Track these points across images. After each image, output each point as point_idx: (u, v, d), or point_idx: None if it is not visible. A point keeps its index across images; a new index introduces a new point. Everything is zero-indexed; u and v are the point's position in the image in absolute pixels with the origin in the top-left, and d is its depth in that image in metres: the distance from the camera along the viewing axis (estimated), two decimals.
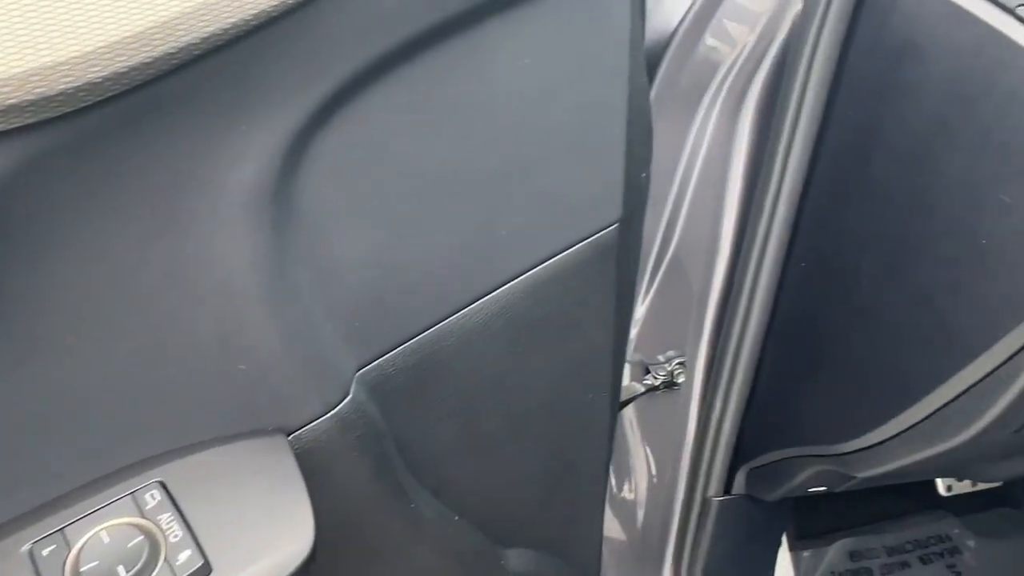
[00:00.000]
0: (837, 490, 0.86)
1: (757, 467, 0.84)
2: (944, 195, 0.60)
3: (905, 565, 1.33)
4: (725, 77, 0.72)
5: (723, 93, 0.73)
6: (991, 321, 0.58)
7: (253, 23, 0.31)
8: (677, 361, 0.83)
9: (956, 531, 1.39)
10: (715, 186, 0.77)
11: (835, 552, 1.32)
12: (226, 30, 0.31)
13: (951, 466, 0.73)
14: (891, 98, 0.63)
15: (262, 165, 0.35)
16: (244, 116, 0.34)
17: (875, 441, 0.70)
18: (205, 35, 0.30)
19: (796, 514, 1.25)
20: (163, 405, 0.38)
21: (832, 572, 1.30)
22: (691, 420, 0.86)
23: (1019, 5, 0.56)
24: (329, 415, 0.42)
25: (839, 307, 0.71)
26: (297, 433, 0.41)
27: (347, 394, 0.43)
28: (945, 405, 0.63)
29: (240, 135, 0.34)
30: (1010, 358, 0.58)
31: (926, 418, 0.65)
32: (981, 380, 0.60)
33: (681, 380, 0.83)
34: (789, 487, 0.83)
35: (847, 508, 1.33)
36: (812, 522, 1.31)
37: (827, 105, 0.68)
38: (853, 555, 1.33)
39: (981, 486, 1.26)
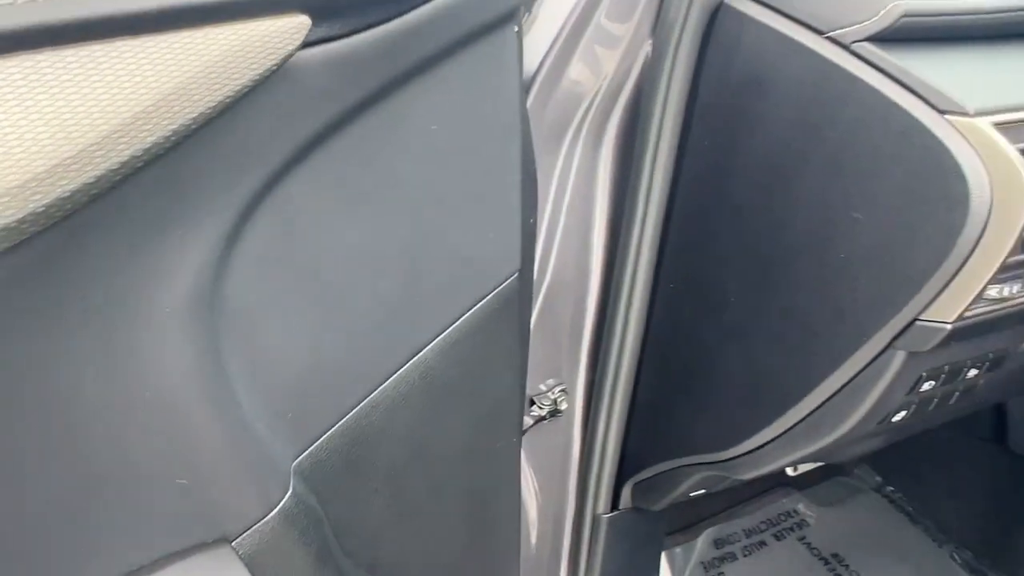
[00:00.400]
0: (715, 490, 0.91)
1: (642, 480, 0.87)
2: (801, 214, 0.66)
3: (762, 544, 1.43)
4: (586, 113, 0.75)
5: (584, 128, 0.76)
6: (853, 328, 0.64)
7: (183, 132, 0.30)
8: (559, 388, 0.85)
9: (801, 505, 1.51)
10: (582, 218, 0.79)
11: (702, 543, 1.40)
12: (161, 141, 0.29)
13: (819, 457, 0.80)
14: (742, 128, 0.68)
15: (196, 273, 0.33)
16: (178, 225, 0.32)
17: (755, 446, 0.75)
18: (147, 145, 0.28)
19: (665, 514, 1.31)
20: (107, 528, 0.35)
21: (702, 563, 1.37)
22: (575, 442, 0.88)
23: (839, 29, 0.62)
24: (273, 514, 0.40)
25: (710, 324, 0.76)
26: (241, 537, 0.39)
27: (287, 489, 0.41)
28: (818, 408, 0.69)
29: (174, 246, 0.32)
30: (873, 360, 0.64)
31: (801, 421, 0.71)
32: (849, 382, 0.66)
33: (564, 407, 0.85)
34: (673, 496, 0.87)
35: (706, 499, 1.41)
36: (678, 519, 1.38)
37: (683, 136, 0.72)
38: (717, 543, 1.41)
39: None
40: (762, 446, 0.74)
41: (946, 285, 0.58)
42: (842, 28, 0.61)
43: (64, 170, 0.26)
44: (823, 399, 0.68)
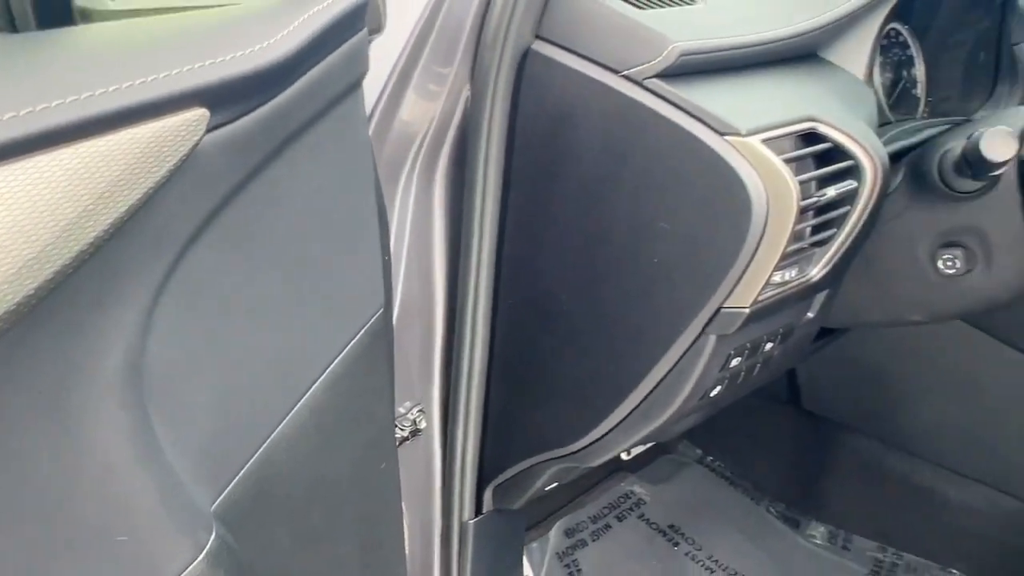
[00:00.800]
0: (567, 480, 1.00)
1: (502, 483, 0.94)
2: (616, 229, 0.76)
3: (607, 527, 1.55)
4: (418, 151, 0.82)
5: (418, 165, 0.82)
6: (671, 322, 0.74)
7: (118, 224, 0.34)
8: (416, 409, 0.91)
9: (636, 487, 1.65)
10: (423, 249, 0.86)
11: (555, 535, 1.49)
12: (101, 234, 0.33)
13: (653, 437, 0.90)
14: (559, 158, 0.77)
15: (126, 345, 0.37)
16: (110, 304, 0.36)
17: (600, 435, 0.84)
18: (91, 239, 0.32)
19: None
20: None
21: (557, 553, 1.47)
22: (436, 457, 0.94)
23: (632, 68, 0.72)
24: (201, 556, 0.43)
25: (548, 333, 0.84)
26: None
27: (211, 531, 0.44)
28: (649, 394, 0.79)
29: (108, 324, 0.36)
30: (690, 347, 0.75)
31: (636, 407, 0.81)
32: (672, 368, 0.76)
33: (423, 425, 0.91)
34: (532, 492, 0.96)
35: (553, 494, 1.51)
36: (531, 516, 1.46)
37: (507, 168, 0.80)
38: (568, 532, 1.52)
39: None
40: (605, 434, 0.84)
41: (740, 277, 0.69)
42: (634, 67, 0.71)
43: (28, 269, 0.29)
44: (652, 386, 0.78)
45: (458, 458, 0.92)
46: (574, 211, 0.78)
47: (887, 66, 1.09)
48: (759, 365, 0.85)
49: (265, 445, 0.50)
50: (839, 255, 0.77)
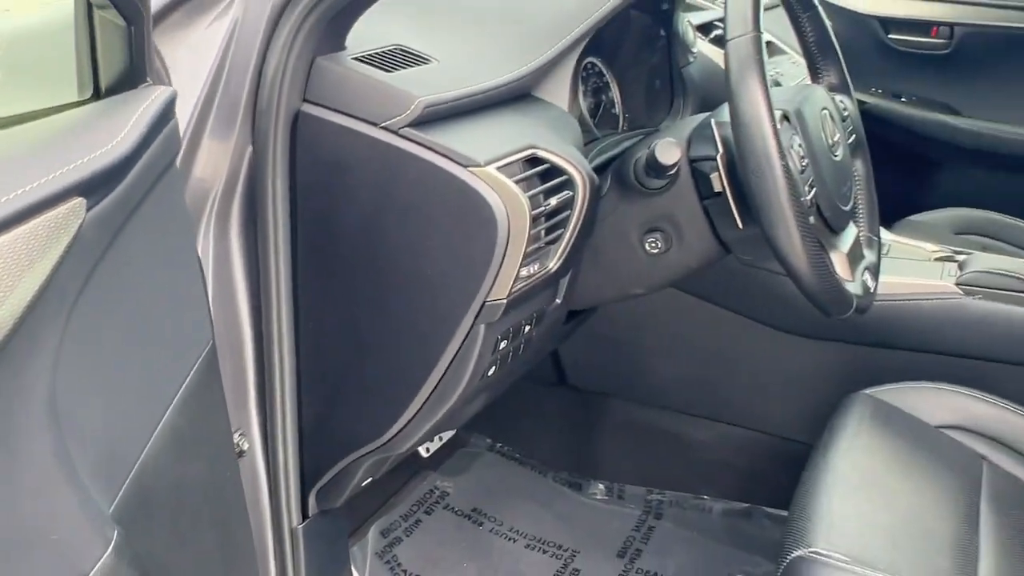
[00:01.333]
0: (379, 475, 1.15)
1: (323, 485, 1.08)
2: (393, 252, 0.92)
3: (418, 522, 1.70)
4: (213, 204, 0.93)
5: (214, 216, 0.94)
6: (449, 318, 0.92)
7: (33, 302, 0.46)
8: (238, 433, 1.02)
9: (439, 481, 1.81)
10: (226, 294, 0.97)
11: (372, 537, 1.63)
12: (24, 312, 0.45)
13: (447, 423, 1.07)
14: (337, 198, 0.93)
15: (44, 391, 0.49)
16: (34, 354, 0.47)
17: (402, 425, 1.00)
18: (17, 316, 0.44)
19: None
20: None
21: (377, 553, 1.60)
22: (261, 473, 1.05)
23: (388, 120, 0.89)
24: (110, 550, 0.55)
25: (347, 346, 0.99)
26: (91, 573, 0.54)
27: (114, 530, 0.56)
28: (439, 381, 0.96)
29: (33, 367, 0.47)
30: (466, 337, 0.93)
31: (429, 396, 0.97)
32: (455, 357, 0.94)
33: (246, 447, 1.02)
34: (350, 489, 1.09)
35: (364, 500, 1.64)
36: (349, 523, 1.58)
37: (292, 212, 0.94)
38: (384, 533, 1.65)
39: (445, 437, 1.67)
40: (407, 423, 1.00)
41: (496, 275, 0.88)
42: (389, 120, 0.88)
43: None
44: (441, 374, 0.95)
45: (280, 470, 1.04)
46: (356, 243, 0.94)
47: (589, 92, 1.33)
48: (522, 346, 1.05)
49: (140, 459, 0.62)
50: (568, 249, 0.98)
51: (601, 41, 1.33)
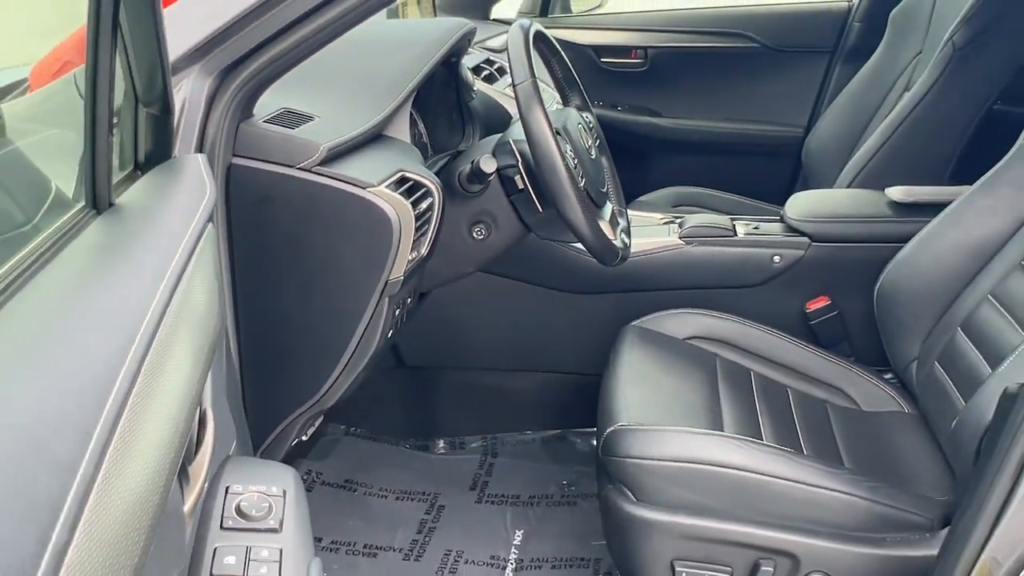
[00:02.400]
0: (308, 435, 1.49)
1: (270, 443, 1.41)
2: (317, 254, 1.29)
3: None
4: None
5: None
6: (362, 298, 1.30)
7: None
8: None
9: (310, 465, 2.13)
10: None
11: None
12: None
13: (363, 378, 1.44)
14: (265, 221, 1.27)
15: None
16: None
17: (331, 383, 1.36)
18: None
19: None
20: None
21: None
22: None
23: (303, 162, 1.26)
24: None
25: (280, 330, 1.33)
26: None
27: None
28: (357, 345, 1.34)
29: None
30: (375, 307, 1.31)
31: (351, 357, 1.35)
32: (370, 322, 1.32)
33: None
34: (290, 440, 1.43)
35: None
36: None
37: (228, 234, 1.28)
38: None
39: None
40: (335, 381, 1.36)
41: (395, 260, 1.28)
42: (303, 162, 1.25)
43: None
44: (359, 339, 1.33)
45: None
46: (283, 251, 1.29)
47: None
48: (407, 314, 1.44)
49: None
50: (433, 239, 1.39)
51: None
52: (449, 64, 1.81)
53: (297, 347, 1.34)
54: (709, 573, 1.46)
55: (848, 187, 2.19)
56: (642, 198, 2.72)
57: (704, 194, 2.74)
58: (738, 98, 2.96)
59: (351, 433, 2.28)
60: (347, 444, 2.24)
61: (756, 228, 2.05)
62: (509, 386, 2.20)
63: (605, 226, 1.63)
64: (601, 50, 2.99)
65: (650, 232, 2.12)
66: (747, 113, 2.96)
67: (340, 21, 1.19)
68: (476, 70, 2.02)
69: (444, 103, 1.87)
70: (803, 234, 2.00)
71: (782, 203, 2.17)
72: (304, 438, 1.48)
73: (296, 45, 1.19)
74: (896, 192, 1.99)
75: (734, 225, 2.07)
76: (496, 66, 2.19)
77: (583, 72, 3.00)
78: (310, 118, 1.34)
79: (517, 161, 1.49)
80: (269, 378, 1.36)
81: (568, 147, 1.53)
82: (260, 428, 1.39)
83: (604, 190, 1.66)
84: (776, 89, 2.93)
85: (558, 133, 1.55)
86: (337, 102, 1.42)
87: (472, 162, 1.49)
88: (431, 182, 1.37)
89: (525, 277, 2.07)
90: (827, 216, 2.00)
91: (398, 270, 1.30)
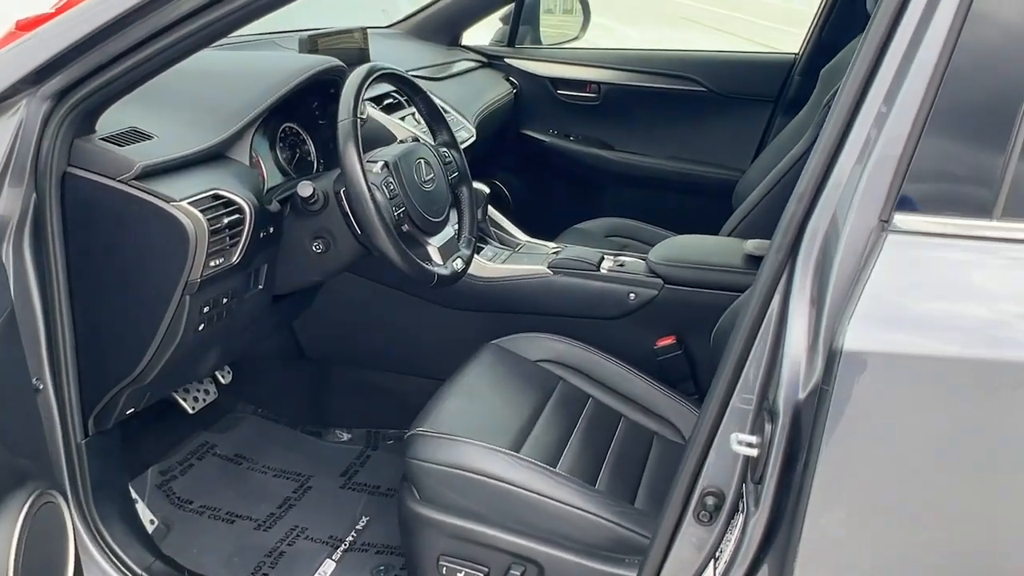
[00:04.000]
0: (140, 407, 1.72)
1: (98, 412, 1.64)
2: (135, 254, 1.52)
3: (191, 465, 2.27)
4: (11, 230, 1.50)
5: (12, 238, 1.49)
6: (167, 294, 1.52)
7: None
8: (35, 379, 1.58)
9: (210, 437, 2.38)
10: (23, 287, 1.53)
11: (151, 475, 2.18)
12: None
13: (194, 370, 1.67)
14: (93, 226, 1.51)
15: None
16: None
17: (145, 364, 1.60)
18: None
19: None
20: None
21: (156, 485, 2.16)
22: (52, 404, 1.60)
23: (121, 176, 1.49)
24: None
25: (104, 318, 1.57)
26: None
27: None
28: (164, 335, 1.57)
29: None
30: (178, 305, 1.54)
31: (160, 344, 1.57)
32: (173, 317, 1.55)
33: (41, 387, 1.58)
34: (116, 413, 1.67)
35: (147, 451, 2.20)
36: (132, 468, 2.12)
37: (64, 235, 1.52)
38: (162, 472, 2.21)
39: (208, 398, 2.26)
40: (147, 363, 1.59)
41: (192, 264, 1.50)
42: (122, 175, 1.48)
43: None
44: (165, 328, 1.54)
45: (66, 403, 1.60)
46: (107, 252, 1.53)
47: (287, 147, 1.97)
48: (226, 311, 1.66)
49: None
50: (245, 249, 1.61)
51: (297, 112, 1.98)
52: (331, 96, 2.03)
53: (115, 331, 1.58)
54: (469, 571, 1.64)
55: (729, 235, 2.31)
56: (579, 225, 2.88)
57: (638, 227, 2.88)
58: (684, 138, 3.09)
59: (257, 413, 2.52)
60: (250, 423, 2.49)
61: (621, 265, 2.20)
62: (394, 387, 2.40)
63: (434, 252, 1.82)
64: (558, 82, 3.16)
65: (529, 259, 2.29)
66: (691, 153, 3.08)
67: (171, 49, 1.41)
68: (378, 99, 2.24)
69: (333, 126, 2.08)
70: (658, 276, 2.14)
71: None
72: (136, 409, 1.71)
73: (127, 72, 1.42)
74: (750, 245, 2.11)
75: (601, 259, 2.22)
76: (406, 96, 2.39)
77: (541, 102, 3.20)
78: (149, 137, 1.57)
79: (342, 188, 1.70)
80: (95, 355, 1.59)
81: (391, 179, 1.72)
82: (90, 397, 1.63)
83: (439, 219, 1.84)
84: (720, 133, 3.04)
85: (387, 165, 1.74)
86: (183, 124, 1.65)
87: (298, 185, 1.70)
88: (243, 201, 1.58)
89: (409, 289, 2.27)
90: (681, 261, 2.13)
91: (196, 273, 1.51)
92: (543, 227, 3.04)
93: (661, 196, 3.10)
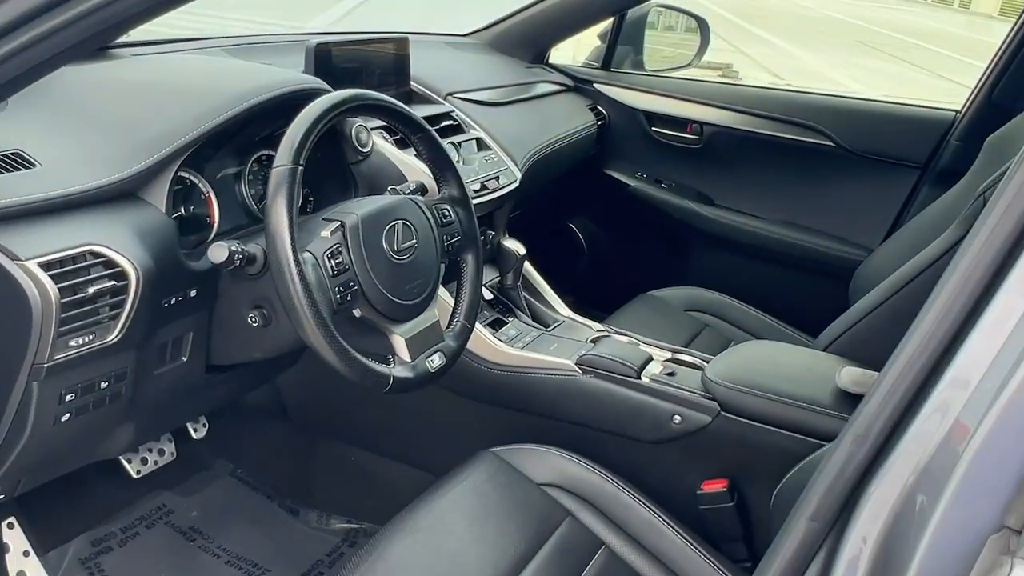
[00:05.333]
0: (16, 492, 1.36)
1: None
2: None
3: (136, 534, 1.93)
4: None
5: None
6: (6, 380, 1.15)
7: None
8: None
9: (168, 499, 2.03)
10: None
11: (77, 544, 1.85)
12: None
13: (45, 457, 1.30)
14: None
15: None
16: None
17: None
18: None
19: (34, 530, 1.74)
20: None
21: (79, 560, 1.82)
22: None
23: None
24: None
25: None
26: None
27: None
28: (11, 425, 1.19)
29: None
30: (24, 392, 1.16)
31: (6, 435, 1.21)
32: (19, 406, 1.17)
33: None
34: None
35: (81, 513, 1.87)
36: (55, 533, 1.80)
37: None
38: (94, 543, 1.87)
39: (161, 463, 1.91)
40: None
41: (38, 345, 1.12)
42: None
43: None
44: (11, 419, 1.18)
45: None
46: None
47: (259, 182, 1.57)
48: (111, 397, 1.28)
49: None
50: (129, 324, 1.21)
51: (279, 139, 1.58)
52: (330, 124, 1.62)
53: None
54: None
55: (825, 349, 1.75)
56: (656, 292, 2.37)
57: (727, 303, 2.35)
58: (800, 201, 2.51)
59: (235, 474, 2.16)
60: (223, 487, 2.13)
61: (671, 375, 1.68)
62: (382, 473, 1.98)
63: (400, 344, 1.37)
64: (654, 117, 2.64)
65: (559, 347, 1.80)
66: (808, 221, 2.50)
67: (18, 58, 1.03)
68: (390, 130, 1.80)
69: (332, 161, 1.68)
70: (714, 398, 1.61)
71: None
72: (6, 496, 1.36)
73: None
74: (846, 376, 1.55)
75: (646, 362, 1.71)
76: (443, 124, 1.95)
77: (632, 138, 2.68)
78: (30, 165, 1.20)
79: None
80: None
81: (343, 248, 1.29)
82: None
83: (413, 301, 1.39)
84: (847, 201, 2.44)
85: (342, 228, 1.31)
86: (86, 150, 1.27)
87: (231, 247, 1.29)
88: (129, 262, 1.19)
89: None
90: (748, 385, 1.59)
91: (43, 356, 1.13)
92: (615, 288, 2.55)
93: (762, 269, 2.54)
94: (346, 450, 2.01)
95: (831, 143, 2.41)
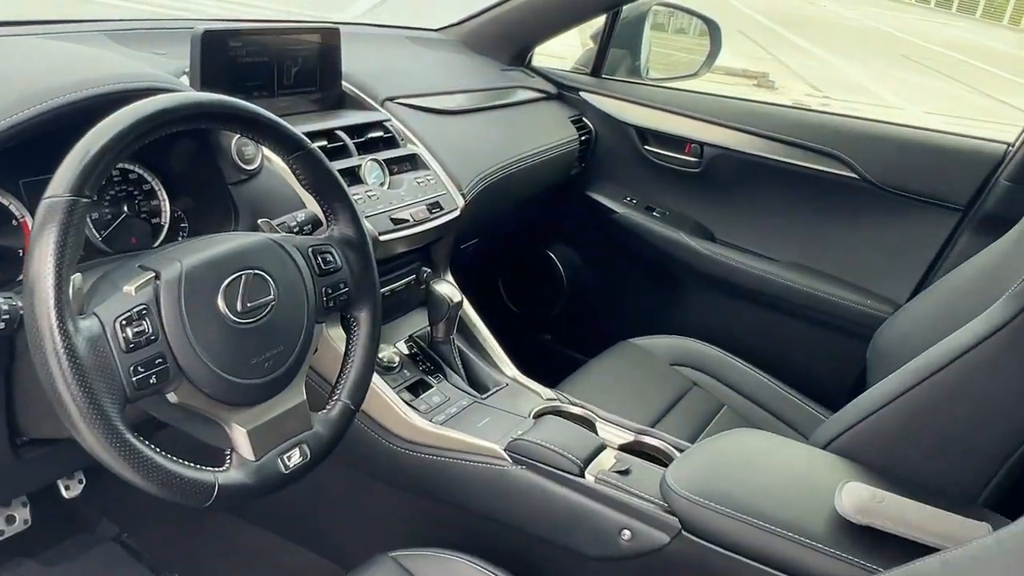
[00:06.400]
0: None
1: None
2: None
3: None
4: None
5: None
6: None
7: None
8: None
9: (30, 569, 1.70)
10: None
11: None
12: None
13: None
14: None
15: None
16: None
17: None
18: None
19: None
20: None
21: None
22: None
23: None
24: None
25: None
26: None
27: None
28: None
29: None
30: None
31: None
32: None
33: None
34: None
35: None
36: None
37: None
38: None
39: (9, 532, 1.57)
40: None
41: None
42: None
43: None
44: None
45: None
46: None
47: (116, 203, 1.23)
48: None
49: None
50: None
51: (151, 155, 1.25)
52: (200, 132, 1.27)
53: None
54: None
55: (825, 446, 1.37)
56: (638, 341, 2.00)
57: (721, 359, 1.97)
58: (815, 241, 2.12)
59: (119, 539, 1.82)
60: (103, 553, 1.79)
61: (625, 472, 1.31)
62: (281, 558, 1.63)
63: (240, 438, 1.02)
64: (647, 134, 2.25)
65: (491, 424, 1.44)
66: (822, 265, 2.11)
67: None
68: (322, 136, 1.45)
69: (211, 178, 1.33)
70: (673, 512, 1.24)
71: (833, 405, 1.58)
72: None
73: None
74: (850, 497, 1.17)
75: (595, 452, 1.34)
76: (369, 136, 1.59)
77: (623, 158, 2.30)
78: None
79: None
80: None
81: (145, 309, 0.94)
82: None
83: (263, 379, 1.04)
84: (872, 245, 2.05)
85: (156, 280, 0.96)
86: None
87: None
88: None
89: None
90: (719, 498, 1.21)
91: None
92: (594, 329, 2.19)
93: (766, 320, 2.15)
94: (240, 526, 1.66)
95: (854, 175, 2.01)
